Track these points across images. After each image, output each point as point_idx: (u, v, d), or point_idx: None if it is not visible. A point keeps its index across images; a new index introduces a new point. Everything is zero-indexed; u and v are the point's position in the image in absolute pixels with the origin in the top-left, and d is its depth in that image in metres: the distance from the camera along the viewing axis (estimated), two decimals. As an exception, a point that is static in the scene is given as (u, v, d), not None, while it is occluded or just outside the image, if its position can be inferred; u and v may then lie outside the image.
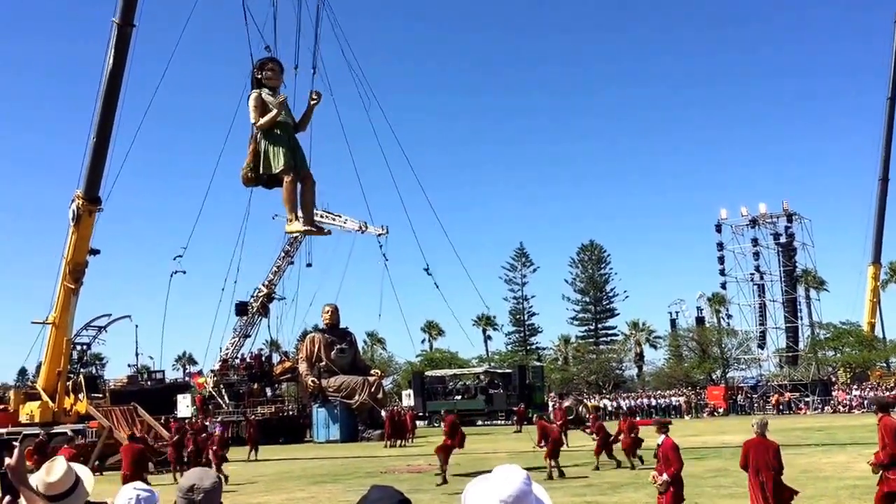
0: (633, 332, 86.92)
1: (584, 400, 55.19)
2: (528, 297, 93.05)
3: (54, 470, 3.74)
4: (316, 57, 12.48)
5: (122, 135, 30.69)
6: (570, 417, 33.95)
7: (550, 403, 56.93)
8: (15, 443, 17.46)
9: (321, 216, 55.48)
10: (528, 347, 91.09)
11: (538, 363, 71.26)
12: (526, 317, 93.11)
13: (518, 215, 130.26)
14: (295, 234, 9.46)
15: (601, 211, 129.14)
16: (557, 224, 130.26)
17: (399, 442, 37.25)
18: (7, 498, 4.53)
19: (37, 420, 32.45)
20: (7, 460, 3.87)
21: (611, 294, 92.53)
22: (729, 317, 75.09)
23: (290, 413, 50.08)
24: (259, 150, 10.20)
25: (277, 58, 10.99)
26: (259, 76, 10.39)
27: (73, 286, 32.27)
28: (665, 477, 11.65)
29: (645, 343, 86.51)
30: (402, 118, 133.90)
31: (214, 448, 24.91)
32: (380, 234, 52.95)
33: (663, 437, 12.15)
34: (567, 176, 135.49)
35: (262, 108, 10.06)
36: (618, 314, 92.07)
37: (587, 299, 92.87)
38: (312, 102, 10.64)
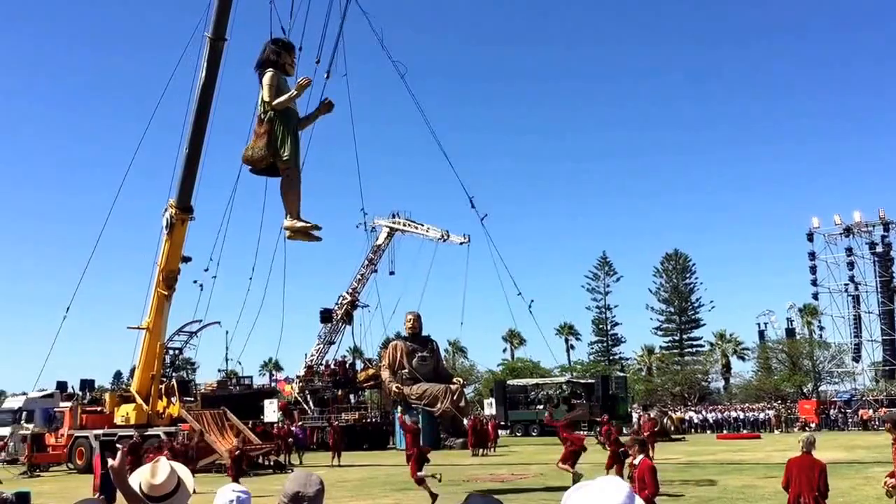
0: (720, 343, 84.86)
1: (670, 412, 54.28)
2: (611, 307, 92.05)
3: (159, 471, 3.78)
4: (332, 62, 11.97)
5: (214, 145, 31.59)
6: (657, 429, 33.42)
7: (635, 415, 56.07)
8: (118, 445, 18.16)
9: (404, 224, 56.27)
10: (611, 358, 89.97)
11: (622, 374, 70.29)
12: (609, 326, 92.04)
13: (601, 224, 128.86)
14: (298, 232, 8.33)
15: (687, 219, 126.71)
16: (641, 233, 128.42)
17: (481, 451, 37.23)
18: (101, 497, 4.70)
19: (132, 422, 33.62)
20: (110, 461, 3.87)
21: (696, 304, 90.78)
22: (821, 328, 72.71)
23: (374, 420, 50.57)
24: (274, 133, 9.67)
25: (289, 41, 10.64)
26: (275, 58, 9.94)
27: (166, 292, 33.38)
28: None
29: (732, 355, 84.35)
30: (478, 127, 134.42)
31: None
32: (462, 243, 53.17)
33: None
34: (652, 184, 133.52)
35: (278, 89, 9.64)
36: (703, 325, 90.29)
37: (672, 309, 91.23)
38: (321, 110, 10.13)
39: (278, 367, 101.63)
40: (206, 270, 35.91)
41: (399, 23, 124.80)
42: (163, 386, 35.48)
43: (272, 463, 32.95)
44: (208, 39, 28.26)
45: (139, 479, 3.79)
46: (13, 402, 43.42)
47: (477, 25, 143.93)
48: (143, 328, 34.42)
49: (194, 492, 4.02)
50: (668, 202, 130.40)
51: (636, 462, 11.35)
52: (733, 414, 58.40)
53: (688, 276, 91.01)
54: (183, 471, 3.99)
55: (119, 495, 3.97)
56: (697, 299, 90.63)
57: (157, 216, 33.34)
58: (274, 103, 9.51)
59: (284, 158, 9.44)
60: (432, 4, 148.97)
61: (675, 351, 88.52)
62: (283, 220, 9.60)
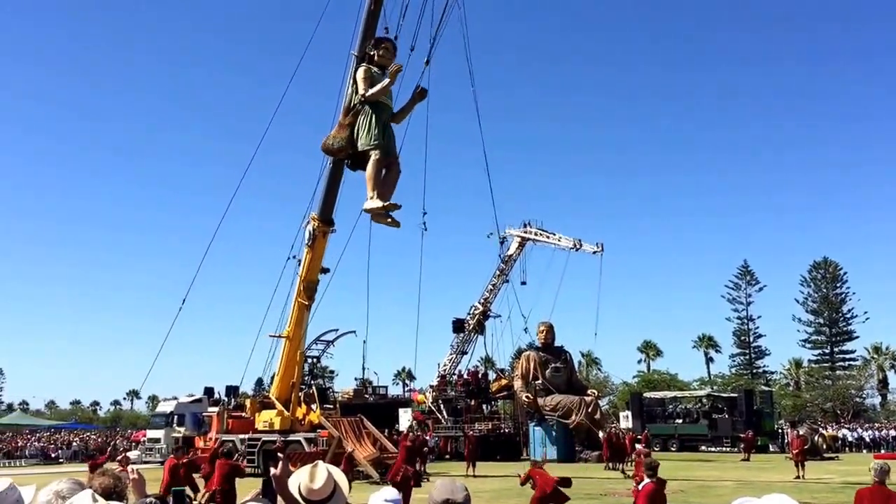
0: (875, 356, 79.68)
1: (821, 429, 51.29)
2: (754, 318, 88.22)
3: (317, 476, 3.88)
4: (433, 50, 11.79)
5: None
6: (807, 447, 31.61)
7: (783, 431, 53.38)
8: (280, 454, 18.64)
9: (536, 233, 55.85)
10: (754, 371, 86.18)
11: (767, 388, 67.08)
12: (751, 338, 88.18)
13: (742, 231, 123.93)
14: (377, 215, 8.15)
15: (836, 225, 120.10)
16: (786, 240, 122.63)
17: (618, 465, 36.26)
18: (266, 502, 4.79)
19: (276, 428, 34.68)
20: (272, 470, 4.10)
21: (848, 315, 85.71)
22: None
23: (506, 430, 50.27)
24: (356, 123, 9.64)
25: (393, 40, 10.48)
26: (371, 53, 9.94)
27: (306, 302, 34.35)
28: None
29: (889, 369, 79.03)
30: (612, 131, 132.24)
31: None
32: (595, 252, 52.25)
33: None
34: (796, 189, 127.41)
35: (371, 82, 9.54)
36: (856, 337, 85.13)
37: (821, 321, 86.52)
38: (416, 99, 10.00)
39: (411, 377, 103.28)
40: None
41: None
42: (302, 393, 36.47)
43: (411, 473, 33.15)
44: (354, 57, 29.01)
45: (297, 482, 3.90)
46: (165, 407, 45.67)
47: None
48: (283, 336, 35.55)
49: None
50: (814, 207, 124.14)
51: (640, 486, 10.67)
52: (892, 433, 54.56)
53: (838, 285, 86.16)
54: (339, 475, 4.09)
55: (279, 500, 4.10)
56: (850, 310, 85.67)
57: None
58: (367, 95, 9.43)
59: (368, 147, 9.36)
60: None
61: (826, 364, 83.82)
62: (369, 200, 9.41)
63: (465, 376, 54.70)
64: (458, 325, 57.29)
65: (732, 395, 56.98)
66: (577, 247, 52.80)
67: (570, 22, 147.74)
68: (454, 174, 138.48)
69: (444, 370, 57.33)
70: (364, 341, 60.97)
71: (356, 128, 9.46)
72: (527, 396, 46.04)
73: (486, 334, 56.58)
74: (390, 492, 3.53)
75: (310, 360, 41.28)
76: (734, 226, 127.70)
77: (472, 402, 52.30)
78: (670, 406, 57.85)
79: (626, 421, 53.77)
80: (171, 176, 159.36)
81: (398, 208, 9.41)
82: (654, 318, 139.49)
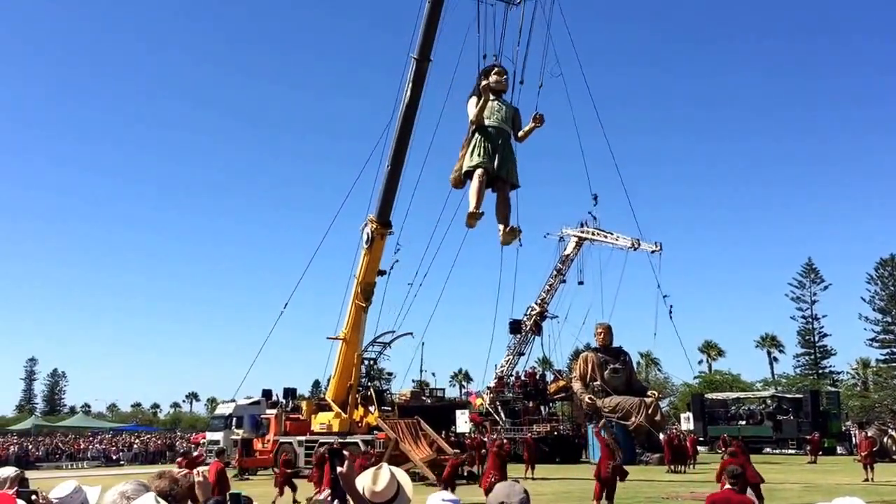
0: (948, 355, 76.96)
1: (891, 430, 49.61)
2: (819, 317, 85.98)
3: (380, 478, 3.95)
4: (543, 74, 11.87)
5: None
6: (875, 449, 30.57)
7: (851, 433, 51.83)
8: (345, 451, 18.80)
9: (593, 233, 55.25)
10: (820, 371, 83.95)
11: (833, 388, 65.25)
12: (816, 338, 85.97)
13: (806, 228, 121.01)
14: (510, 241, 8.83)
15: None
16: (851, 237, 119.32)
17: (680, 467, 35.59)
18: (336, 502, 4.83)
19: (335, 430, 34.88)
20: (339, 469, 4.29)
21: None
22: None
23: (565, 432, 49.80)
24: (466, 152, 9.94)
25: (501, 65, 10.71)
26: (482, 83, 10.13)
27: (363, 304, 34.52)
28: None
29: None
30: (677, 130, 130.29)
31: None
32: (653, 251, 51.46)
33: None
34: (862, 185, 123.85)
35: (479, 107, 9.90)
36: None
37: (889, 319, 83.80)
38: (534, 125, 10.24)
39: (468, 378, 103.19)
40: (410, 285, 36.94)
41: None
42: (359, 395, 36.58)
43: (466, 473, 33.02)
44: (413, 60, 29.25)
45: (361, 485, 3.98)
46: (224, 409, 46.25)
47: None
48: (340, 339, 35.74)
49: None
50: (880, 203, 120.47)
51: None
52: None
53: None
54: (403, 477, 4.14)
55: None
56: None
57: (353, 231, 34.64)
58: (472, 118, 9.88)
59: (471, 167, 9.63)
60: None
61: (894, 364, 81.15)
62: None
63: (523, 377, 54.39)
64: (515, 326, 57.04)
65: (798, 395, 55.62)
66: (636, 246, 52.08)
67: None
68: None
69: (502, 371, 57.10)
70: (423, 343, 61.25)
71: (466, 152, 9.87)
72: (589, 398, 45.55)
73: (543, 335, 56.26)
74: (447, 493, 3.46)
75: (367, 362, 41.42)
76: (798, 223, 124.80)
77: (530, 404, 51.95)
78: (733, 407, 56.71)
79: (687, 423, 52.78)
80: (237, 186, 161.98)
81: (517, 235, 9.70)
82: (715, 318, 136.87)
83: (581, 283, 56.11)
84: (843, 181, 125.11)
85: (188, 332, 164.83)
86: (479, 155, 9.77)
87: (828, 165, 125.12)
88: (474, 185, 9.59)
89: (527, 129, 10.30)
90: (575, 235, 56.18)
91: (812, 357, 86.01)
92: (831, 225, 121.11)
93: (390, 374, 72.06)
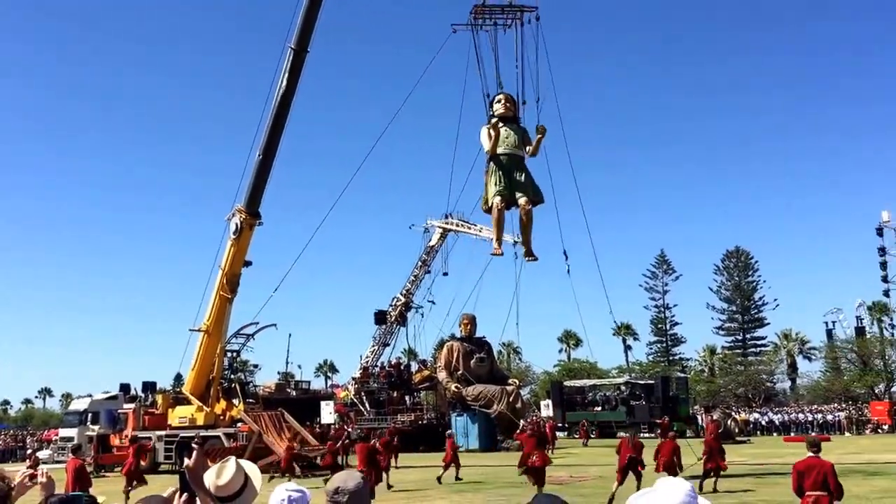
0: (785, 342, 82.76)
1: (733, 413, 52.93)
2: (670, 306, 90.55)
3: (224, 472, 3.83)
4: (535, 89, 12.53)
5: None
6: (720, 431, 32.48)
7: (697, 416, 54.89)
8: (194, 444, 18.29)
9: (457, 224, 56.06)
10: (671, 358, 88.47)
11: (682, 374, 68.93)
12: (668, 326, 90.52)
13: (659, 221, 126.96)
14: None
15: (748, 215, 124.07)
16: (701, 230, 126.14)
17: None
18: (185, 496, 4.65)
19: (200, 423, 34.00)
20: (186, 461, 4.02)
21: (759, 303, 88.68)
22: (893, 327, 70.31)
23: (429, 421, 50.42)
24: (487, 182, 11.00)
25: (505, 91, 11.64)
26: (491, 111, 11.15)
27: (229, 296, 33.73)
28: None
29: (798, 354, 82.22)
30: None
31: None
32: (515, 243, 52.59)
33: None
34: (711, 178, 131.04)
35: (489, 138, 10.80)
36: (767, 324, 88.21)
37: (734, 308, 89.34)
38: (539, 136, 11.16)
39: (334, 369, 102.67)
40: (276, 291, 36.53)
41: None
42: (221, 387, 35.80)
43: (329, 465, 32.94)
44: (291, 50, 28.86)
45: (208, 480, 3.87)
46: (79, 405, 44.38)
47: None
48: (202, 330, 34.80)
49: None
50: (728, 198, 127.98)
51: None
52: (801, 416, 56.72)
53: (750, 273, 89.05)
54: (252, 470, 4.03)
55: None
56: (761, 298, 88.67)
57: (215, 220, 33.73)
58: (486, 150, 10.78)
59: (494, 195, 10.64)
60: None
61: (738, 351, 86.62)
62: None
63: (388, 368, 54.62)
64: (380, 317, 57.16)
65: (650, 381, 58.27)
66: (499, 238, 53.14)
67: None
68: (370, 165, 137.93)
69: (367, 362, 57.13)
70: (290, 335, 60.42)
71: (486, 187, 10.77)
72: (455, 387, 46.31)
73: (408, 325, 56.70)
74: (292, 485, 3.49)
75: (229, 355, 40.52)
76: (651, 216, 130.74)
77: (395, 394, 52.28)
78: (590, 394, 58.88)
79: (546, 409, 54.47)
80: (84, 170, 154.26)
81: (535, 260, 10.67)
82: (574, 308, 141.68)
83: (446, 274, 56.87)
84: (693, 177, 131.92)
85: (41, 323, 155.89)
86: (495, 184, 10.72)
87: (678, 163, 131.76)
88: (494, 216, 10.61)
89: (535, 142, 11.14)
90: (440, 226, 56.79)
91: (664, 344, 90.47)
92: (682, 218, 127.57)
93: (256, 365, 70.66)
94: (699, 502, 2.24)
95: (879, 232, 65.45)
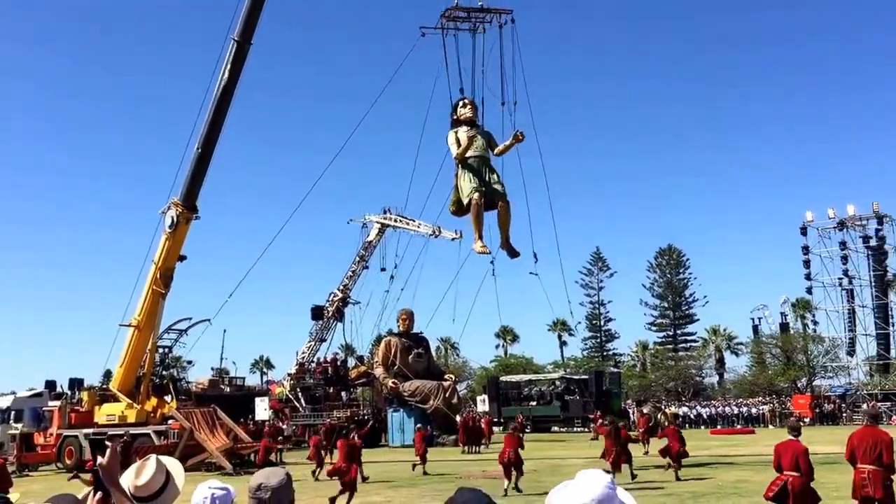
0: (713, 338, 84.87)
1: (663, 407, 54.13)
2: (605, 302, 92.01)
3: (144, 471, 3.71)
4: (504, 92, 12.80)
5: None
6: (651, 425, 33.35)
7: (629, 410, 55.95)
8: (108, 442, 17.90)
9: (395, 220, 56.04)
10: (605, 353, 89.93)
11: (615, 369, 70.18)
12: (602, 322, 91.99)
13: (595, 218, 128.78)
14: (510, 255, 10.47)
15: (680, 214, 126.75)
16: (635, 228, 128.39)
17: (474, 448, 37.02)
18: (99, 495, 4.53)
19: (131, 421, 33.34)
20: (100, 459, 3.80)
21: (690, 299, 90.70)
22: (815, 323, 72.63)
23: (366, 417, 50.35)
24: (457, 184, 11.14)
25: (471, 99, 11.81)
26: (455, 116, 11.32)
27: (163, 290, 33.15)
28: None
29: (726, 350, 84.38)
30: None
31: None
32: (454, 239, 52.93)
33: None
34: (645, 178, 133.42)
35: (458, 142, 11.00)
36: (697, 320, 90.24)
37: (666, 304, 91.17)
38: (514, 141, 11.36)
39: (270, 365, 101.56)
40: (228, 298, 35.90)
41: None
42: (152, 384, 35.20)
43: (263, 462, 32.69)
44: (234, 42, 28.47)
45: (126, 479, 3.72)
46: (1, 402, 43.09)
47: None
48: (132, 325, 34.13)
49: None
50: (661, 196, 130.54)
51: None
52: (727, 409, 58.30)
53: (681, 271, 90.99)
54: (175, 468, 3.90)
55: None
56: (691, 294, 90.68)
57: (146, 214, 33.13)
58: (455, 156, 11.00)
59: (470, 193, 10.79)
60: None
61: (669, 346, 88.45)
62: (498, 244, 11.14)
63: (324, 364, 54.37)
64: (317, 313, 56.83)
65: (584, 376, 59.13)
66: (437, 233, 53.30)
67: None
68: (307, 157, 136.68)
69: (303, 358, 56.75)
70: (224, 330, 59.61)
71: (459, 187, 10.92)
72: (393, 382, 46.37)
73: (345, 321, 56.52)
74: (216, 482, 3.46)
75: (161, 350, 39.85)
76: (587, 213, 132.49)
77: (331, 390, 52.08)
78: (525, 389, 59.49)
79: (482, 405, 54.91)
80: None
81: (517, 255, 10.83)
82: (511, 304, 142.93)
83: (384, 269, 56.84)
84: (628, 175, 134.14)
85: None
86: (470, 181, 10.89)
87: (613, 160, 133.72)
88: (473, 212, 10.71)
89: (507, 143, 11.30)
90: (378, 222, 56.70)
91: (598, 340, 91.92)
92: (617, 216, 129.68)
93: (189, 362, 69.55)
94: (619, 494, 2.26)
95: (803, 231, 67.62)
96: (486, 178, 11.29)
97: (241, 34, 28.43)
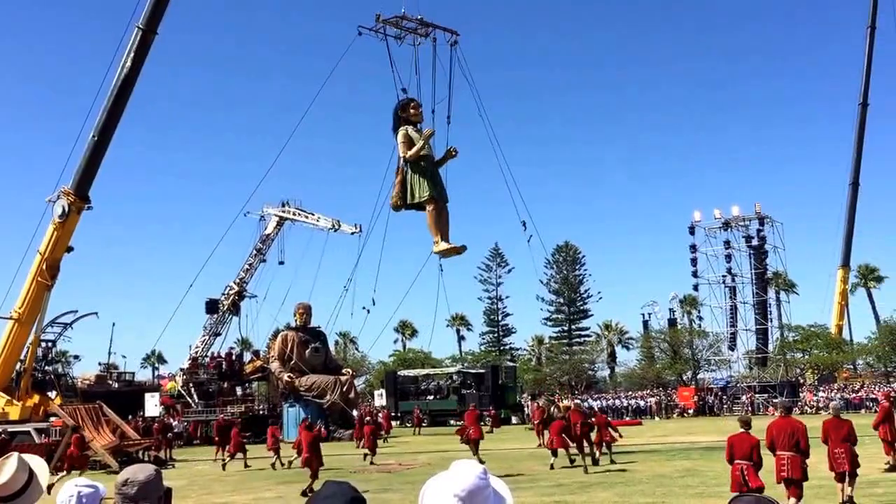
0: (606, 332, 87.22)
1: (557, 400, 55.37)
2: (503, 298, 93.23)
3: (4, 470, 3.56)
4: (451, 107, 13.17)
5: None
6: (545, 417, 34.07)
7: (524, 404, 56.93)
8: None
9: (294, 213, 55.36)
10: (502, 348, 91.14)
11: (511, 363, 71.22)
12: (500, 317, 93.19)
13: (493, 215, 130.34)
14: (445, 252, 11.12)
15: (577, 212, 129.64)
16: (533, 224, 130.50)
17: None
18: None
19: (12, 418, 31.88)
20: None
21: (585, 295, 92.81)
22: (700, 318, 75.47)
23: (261, 412, 49.68)
24: (406, 180, 11.40)
25: (417, 98, 12.13)
26: (403, 115, 11.56)
27: (48, 282, 31.82)
28: None
29: (617, 344, 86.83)
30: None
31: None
32: (353, 233, 52.70)
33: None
34: (543, 176, 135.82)
35: (409, 142, 11.19)
36: (591, 315, 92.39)
37: (561, 300, 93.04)
38: (449, 156, 11.79)
39: (162, 360, 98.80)
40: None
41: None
42: (32, 379, 33.80)
43: (152, 458, 31.82)
44: (139, 30, 27.63)
45: None
46: None
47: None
48: (12, 318, 32.65)
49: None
50: (559, 193, 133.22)
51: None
52: (618, 402, 60.05)
53: (577, 267, 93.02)
54: (39, 466, 3.74)
55: None
56: (586, 290, 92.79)
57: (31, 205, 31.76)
58: (407, 156, 11.13)
59: (423, 200, 11.17)
60: None
61: (564, 341, 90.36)
62: (433, 245, 11.46)
63: (218, 358, 53.27)
64: (212, 306, 55.56)
65: (480, 371, 59.79)
66: (336, 227, 52.94)
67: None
68: (204, 149, 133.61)
69: (196, 353, 55.40)
70: (113, 324, 57.64)
71: (408, 185, 11.22)
72: (288, 376, 45.86)
73: (241, 315, 55.49)
74: (84, 479, 3.37)
75: (44, 345, 38.19)
76: (487, 210, 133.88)
77: (225, 385, 51.09)
78: (423, 383, 59.76)
79: (380, 399, 54.98)
80: None
81: (465, 250, 11.46)
82: (410, 299, 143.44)
83: (282, 262, 56.07)
84: (527, 176, 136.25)
85: None
86: (427, 187, 11.15)
87: (512, 163, 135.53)
88: (430, 220, 11.15)
89: (443, 157, 11.65)
90: (276, 214, 55.87)
91: (496, 335, 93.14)
92: (515, 212, 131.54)
93: (75, 356, 67.00)
94: (492, 484, 2.27)
95: (691, 230, 70.18)
96: (435, 179, 11.79)
97: (146, 22, 27.76)
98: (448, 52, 14.18)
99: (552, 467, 21.21)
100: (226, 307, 55.33)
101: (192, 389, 50.39)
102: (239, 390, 52.77)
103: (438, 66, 14.09)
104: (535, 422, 33.53)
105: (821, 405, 52.80)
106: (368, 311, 38.90)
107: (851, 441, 13.65)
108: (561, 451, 21.63)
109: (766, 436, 12.22)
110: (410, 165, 11.43)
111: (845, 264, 68.98)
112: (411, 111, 11.71)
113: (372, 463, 25.94)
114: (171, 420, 41.07)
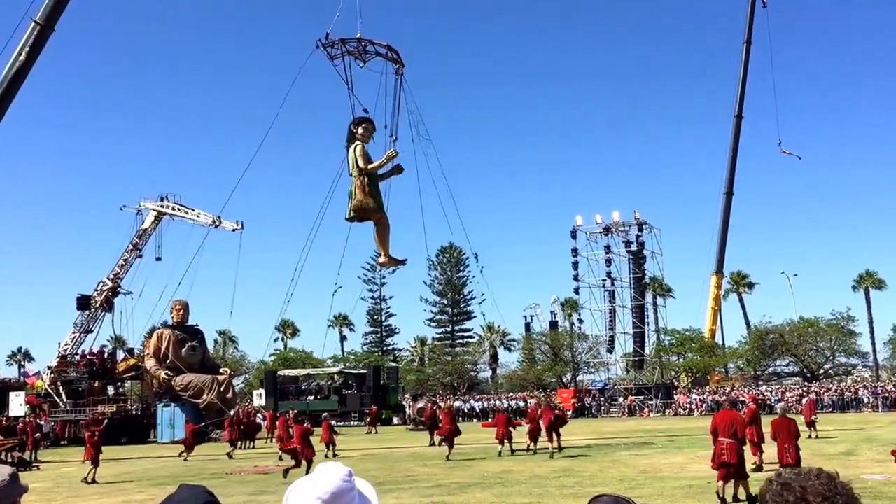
0: (489, 334, 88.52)
1: (438, 401, 55.81)
2: (387, 298, 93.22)
3: None
4: (396, 127, 13.83)
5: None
6: (422, 418, 34.37)
7: (405, 405, 57.09)
8: None
9: (173, 208, 53.70)
10: (385, 348, 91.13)
11: (394, 364, 71.36)
12: (383, 318, 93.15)
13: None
14: (390, 264, 11.75)
15: (462, 214, 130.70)
16: (416, 226, 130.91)
17: (248, 443, 36.32)
18: None
19: None
20: None
21: (468, 297, 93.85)
22: (581, 321, 77.30)
23: (134, 412, 47.95)
24: (370, 191, 11.88)
25: (372, 119, 12.69)
26: (355, 130, 12.10)
27: None
28: None
29: (500, 346, 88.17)
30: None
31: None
32: (234, 230, 51.58)
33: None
34: (428, 176, 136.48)
35: (366, 157, 11.81)
36: (474, 317, 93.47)
37: (445, 301, 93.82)
38: (394, 171, 12.30)
39: (29, 357, 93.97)
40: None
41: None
42: None
43: (16, 460, 30.23)
44: (36, 24, 26.45)
45: None
46: None
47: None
48: None
49: None
50: (443, 194, 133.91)
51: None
52: (498, 403, 60.99)
53: (461, 269, 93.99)
54: None
55: None
56: (469, 292, 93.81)
57: None
58: (367, 168, 11.72)
59: (378, 211, 11.89)
60: None
61: (447, 342, 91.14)
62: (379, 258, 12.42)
63: (89, 356, 51.03)
64: (84, 302, 53.14)
65: (362, 371, 59.65)
66: (217, 224, 51.69)
67: None
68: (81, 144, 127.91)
69: (66, 350, 52.88)
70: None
71: (365, 198, 11.71)
72: (165, 374, 44.45)
73: (115, 312, 53.31)
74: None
75: None
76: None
77: (96, 384, 49.03)
78: (304, 383, 59.15)
79: (259, 399, 54.04)
80: None
81: (405, 262, 12.55)
82: (295, 298, 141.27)
83: (159, 258, 54.23)
84: (409, 167, 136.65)
85: None
86: (374, 199, 11.82)
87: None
88: (379, 234, 11.89)
89: (389, 172, 12.19)
90: (154, 209, 54.01)
91: (379, 335, 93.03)
92: (402, 210, 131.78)
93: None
94: (357, 486, 2.27)
95: (573, 234, 71.97)
96: (379, 192, 12.15)
97: (45, 18, 26.59)
98: (393, 78, 14.51)
99: (500, 455, 25.16)
100: (98, 304, 53.05)
101: (61, 388, 48.12)
102: (111, 389, 50.73)
103: (386, 87, 14.44)
104: (424, 419, 33.82)
105: (693, 407, 55.24)
106: (340, 287, 40.29)
107: (796, 436, 16.93)
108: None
109: (710, 424, 14.63)
110: (368, 178, 11.91)
111: (719, 271, 71.68)
112: (360, 129, 12.25)
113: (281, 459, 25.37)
114: (40, 420, 39.17)
